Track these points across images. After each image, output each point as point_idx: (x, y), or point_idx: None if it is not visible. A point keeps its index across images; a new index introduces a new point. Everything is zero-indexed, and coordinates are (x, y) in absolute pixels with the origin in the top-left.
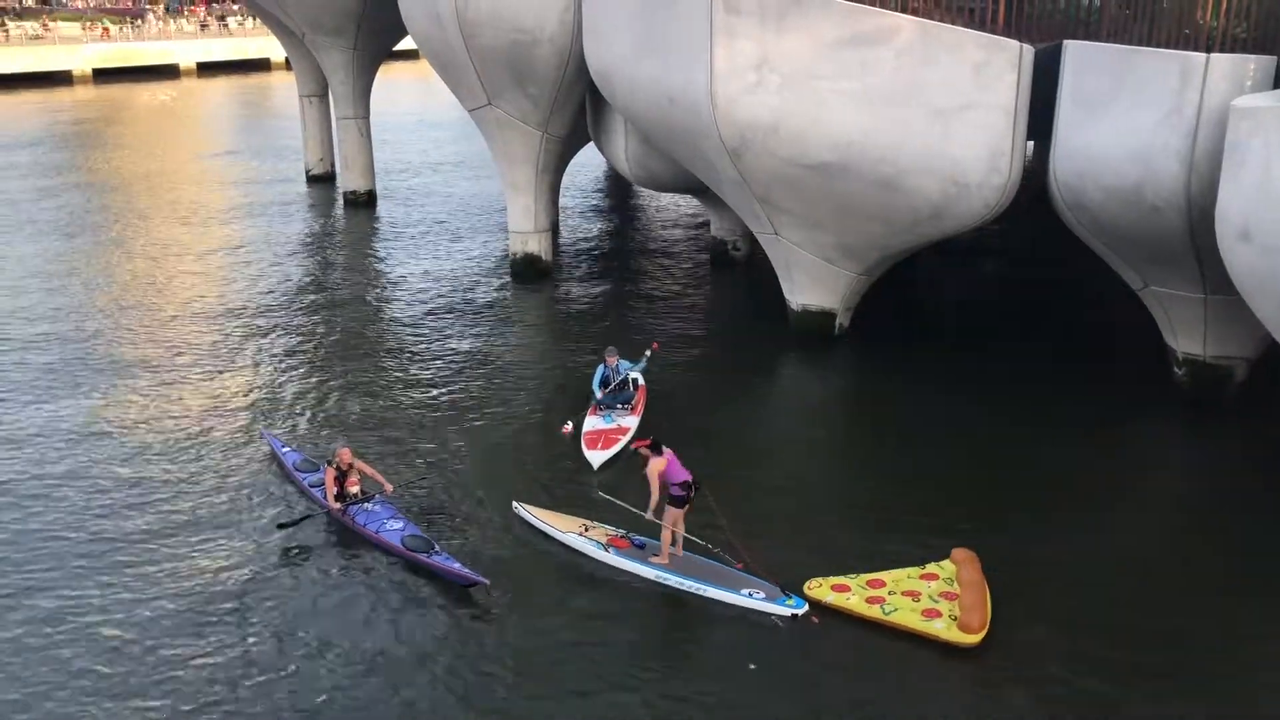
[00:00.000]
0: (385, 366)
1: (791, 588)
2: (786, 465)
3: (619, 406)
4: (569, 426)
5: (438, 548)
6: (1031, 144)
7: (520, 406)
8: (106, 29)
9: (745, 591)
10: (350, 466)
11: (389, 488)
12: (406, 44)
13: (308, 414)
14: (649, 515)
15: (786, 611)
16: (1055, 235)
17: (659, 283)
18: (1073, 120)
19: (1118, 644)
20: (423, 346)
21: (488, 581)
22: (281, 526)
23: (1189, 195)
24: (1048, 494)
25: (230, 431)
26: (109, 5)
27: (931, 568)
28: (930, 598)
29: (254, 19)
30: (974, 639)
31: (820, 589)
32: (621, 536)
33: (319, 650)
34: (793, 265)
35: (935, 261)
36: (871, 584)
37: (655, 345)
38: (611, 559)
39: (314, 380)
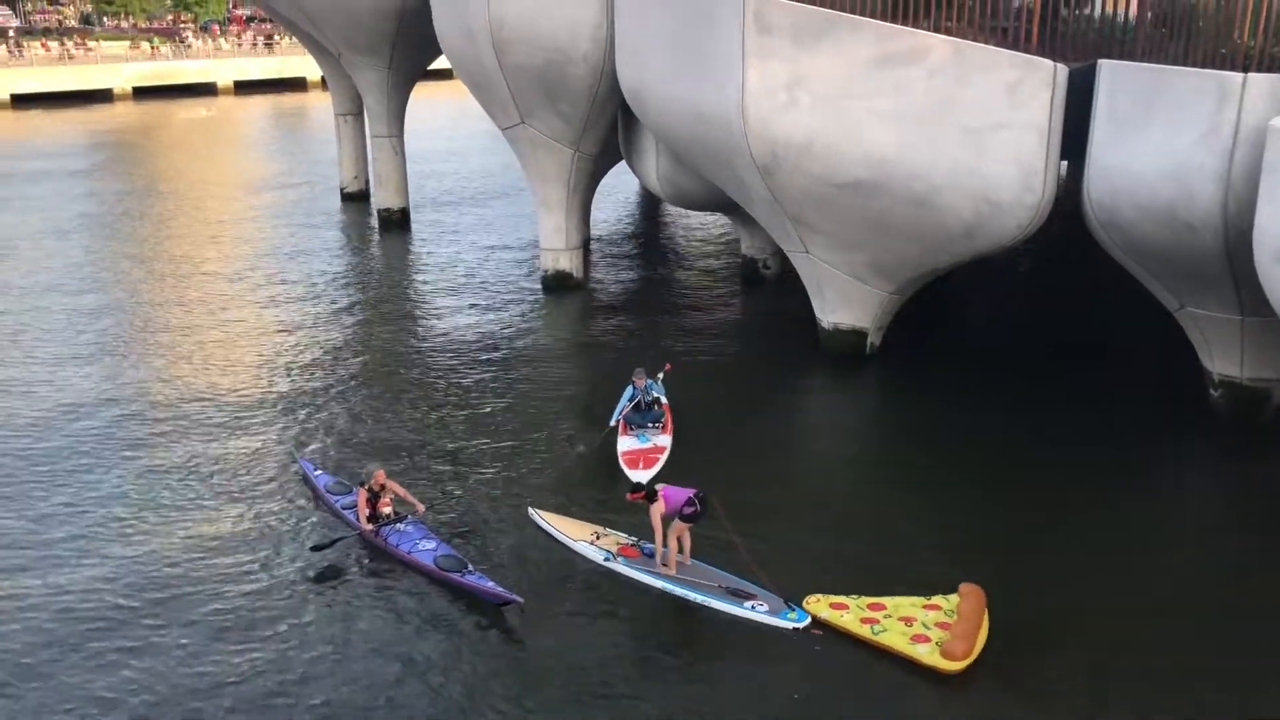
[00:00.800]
0: (417, 386)
1: (795, 601)
2: (811, 485)
3: (649, 425)
4: (582, 448)
5: (470, 567)
6: (1065, 163)
7: (552, 425)
8: (156, 47)
9: (749, 605)
10: (383, 488)
11: (421, 508)
12: (441, 63)
13: (339, 435)
14: (660, 567)
15: (789, 625)
16: (1090, 255)
17: (689, 301)
18: (1107, 139)
19: (1129, 679)
20: (454, 365)
21: (521, 600)
22: (315, 549)
23: (1225, 216)
24: (1075, 520)
25: (261, 454)
26: (146, 25)
27: (936, 599)
28: (924, 625)
29: (291, 38)
30: (954, 666)
31: (818, 604)
32: (632, 545)
33: (352, 673)
34: (824, 283)
35: (971, 280)
36: (872, 607)
37: (668, 367)
38: (619, 568)
39: (346, 400)
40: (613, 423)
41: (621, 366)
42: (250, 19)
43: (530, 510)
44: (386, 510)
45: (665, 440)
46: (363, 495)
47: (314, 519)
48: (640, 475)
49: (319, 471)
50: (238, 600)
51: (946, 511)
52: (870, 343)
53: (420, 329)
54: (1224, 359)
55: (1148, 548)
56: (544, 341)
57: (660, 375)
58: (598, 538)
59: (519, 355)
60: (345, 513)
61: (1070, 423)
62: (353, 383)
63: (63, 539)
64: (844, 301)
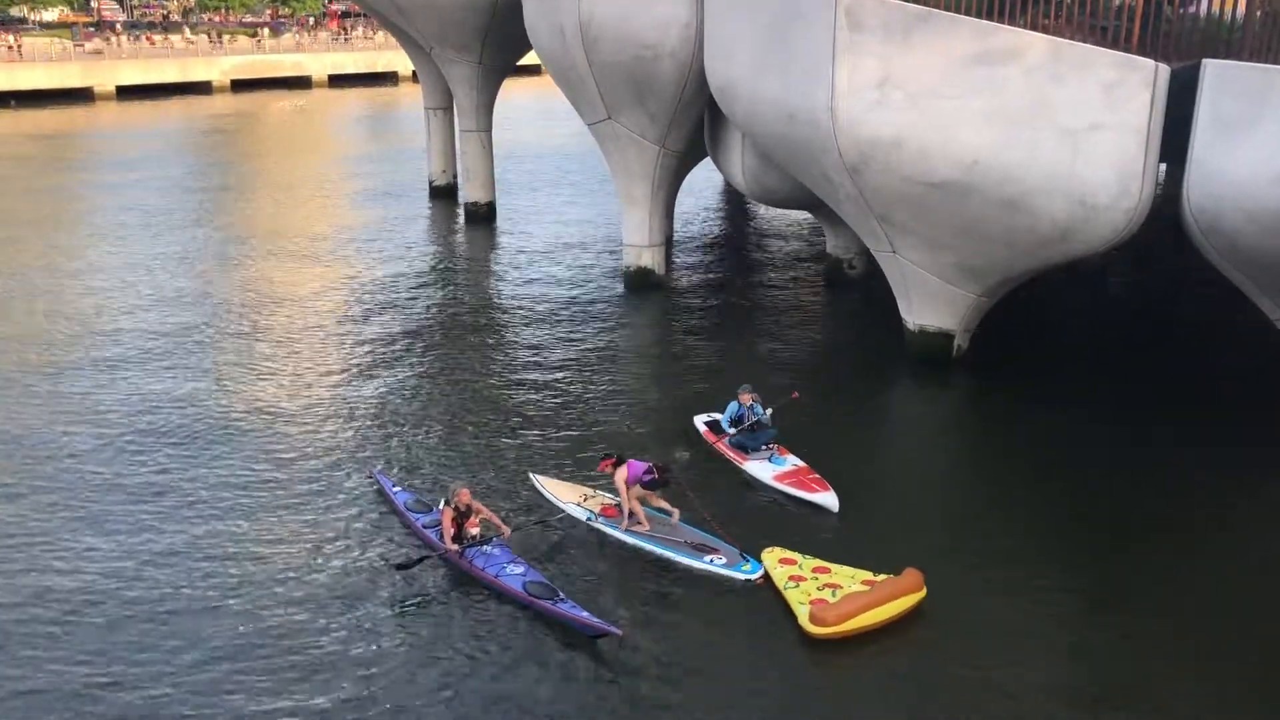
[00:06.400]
0: (497, 390)
1: (753, 555)
2: (881, 480)
3: (764, 447)
4: (684, 454)
5: (562, 594)
6: (1163, 166)
7: (636, 433)
8: (234, 37)
9: (709, 559)
10: (469, 507)
11: (506, 532)
12: (530, 59)
13: (417, 447)
14: (632, 526)
15: (741, 577)
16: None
17: (772, 299)
18: (1210, 142)
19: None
20: (535, 365)
21: (620, 632)
22: (399, 568)
23: None
24: (1152, 537)
25: (339, 466)
26: (245, 20)
27: (880, 577)
28: (834, 593)
29: (384, 33)
30: (815, 630)
31: (770, 555)
32: (614, 506)
33: (436, 700)
34: (910, 284)
35: (1062, 283)
36: (816, 570)
37: (795, 395)
38: (599, 526)
39: (425, 408)
40: (728, 441)
41: (705, 368)
42: (345, 14)
43: (530, 475)
44: (474, 531)
45: (796, 461)
46: (448, 514)
47: (393, 537)
48: (820, 498)
49: (398, 488)
50: (315, 620)
51: (1011, 524)
52: (957, 345)
53: (501, 326)
54: None
55: (1232, 572)
56: (626, 341)
57: (776, 406)
58: (585, 499)
59: (600, 357)
60: (427, 532)
61: (1161, 436)
62: (432, 389)
63: (113, 553)
64: (931, 303)
